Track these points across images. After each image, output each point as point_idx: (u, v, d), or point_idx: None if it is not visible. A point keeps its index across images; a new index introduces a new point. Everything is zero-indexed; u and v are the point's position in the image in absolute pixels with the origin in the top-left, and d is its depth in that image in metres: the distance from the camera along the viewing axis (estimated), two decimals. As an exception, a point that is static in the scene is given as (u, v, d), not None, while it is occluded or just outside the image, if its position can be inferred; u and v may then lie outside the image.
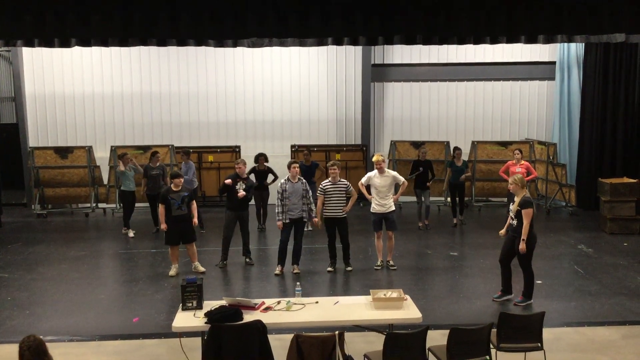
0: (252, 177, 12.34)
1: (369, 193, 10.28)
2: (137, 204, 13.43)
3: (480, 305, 8.69)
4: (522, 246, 8.26)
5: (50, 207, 15.83)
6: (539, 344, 6.21)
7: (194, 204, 10.19)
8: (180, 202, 9.89)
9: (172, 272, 10.14)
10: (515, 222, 8.43)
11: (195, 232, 10.35)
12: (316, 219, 10.16)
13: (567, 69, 16.12)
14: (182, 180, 10.12)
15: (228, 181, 10.33)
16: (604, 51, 14.74)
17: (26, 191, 16.27)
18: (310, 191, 10.18)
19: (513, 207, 8.45)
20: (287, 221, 9.91)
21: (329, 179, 10.02)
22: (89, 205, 15.59)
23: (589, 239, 12.45)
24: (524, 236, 8.24)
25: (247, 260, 10.72)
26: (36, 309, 8.66)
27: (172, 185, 10.01)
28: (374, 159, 10.27)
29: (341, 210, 9.97)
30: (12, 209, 15.77)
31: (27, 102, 16.25)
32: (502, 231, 8.77)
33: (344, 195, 9.99)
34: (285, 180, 9.98)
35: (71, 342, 7.43)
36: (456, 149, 13.71)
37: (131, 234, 12.85)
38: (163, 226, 10.00)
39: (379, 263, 10.41)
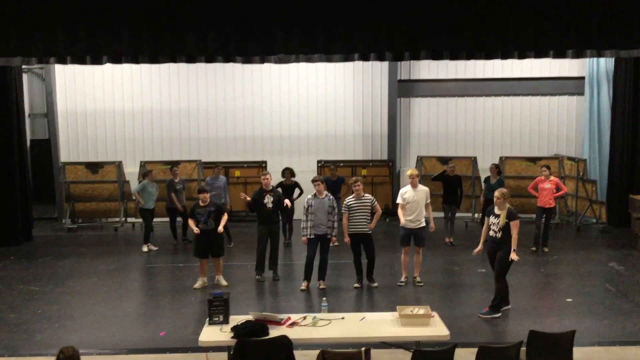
0: (279, 190, 12.37)
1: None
2: (158, 219, 13.68)
3: (509, 323, 8.56)
4: (515, 256, 8.39)
5: (80, 221, 16.07)
6: (570, 364, 6.10)
7: (225, 217, 10.25)
8: (206, 217, 9.97)
9: (198, 284, 10.22)
10: (499, 234, 8.52)
11: (223, 247, 10.41)
12: (334, 237, 10.15)
13: (597, 84, 15.95)
14: (207, 195, 10.18)
15: (245, 198, 10.75)
16: (635, 66, 14.54)
17: (57, 205, 16.55)
18: (337, 208, 10.16)
19: (500, 221, 8.49)
20: (313, 237, 9.91)
21: (353, 195, 10.00)
22: (118, 219, 15.80)
23: (621, 256, 12.21)
24: (514, 247, 8.40)
25: (274, 275, 10.72)
26: (66, 322, 8.76)
27: (199, 201, 10.11)
28: (408, 172, 10.25)
29: (366, 226, 9.93)
30: (43, 223, 16.05)
31: (59, 118, 16.58)
32: (478, 249, 8.98)
33: (369, 210, 9.95)
34: (312, 195, 9.99)
35: (100, 356, 7.50)
36: (492, 165, 13.50)
37: (145, 249, 12.95)
38: (196, 230, 10.00)
39: (402, 279, 10.34)
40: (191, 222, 10.15)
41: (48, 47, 10.25)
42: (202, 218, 9.98)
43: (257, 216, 10.58)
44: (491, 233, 8.67)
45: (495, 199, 8.63)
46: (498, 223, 8.52)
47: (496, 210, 8.63)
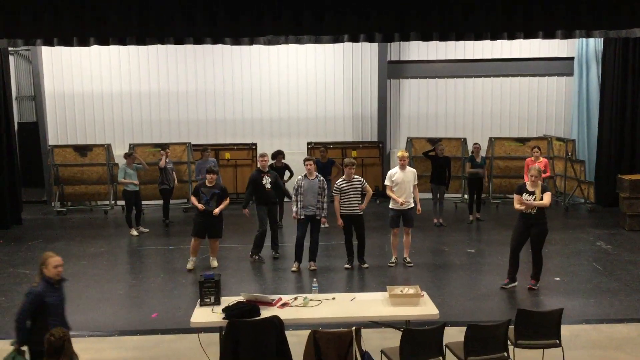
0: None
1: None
2: (146, 202, 13.65)
3: (498, 302, 8.66)
4: (524, 203, 8.73)
5: (69, 204, 16.00)
6: (557, 341, 6.18)
7: (226, 201, 10.25)
8: (209, 197, 9.99)
9: (189, 265, 10.27)
10: (535, 210, 8.71)
11: (222, 229, 10.43)
12: (325, 219, 10.21)
13: (586, 64, 15.99)
14: (215, 176, 10.22)
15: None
16: (624, 46, 14.57)
17: (46, 189, 16.46)
18: (327, 190, 10.18)
19: (536, 197, 8.64)
20: (302, 217, 9.95)
21: (344, 177, 10.01)
22: (107, 202, 15.74)
23: (608, 235, 12.33)
24: (534, 204, 8.65)
25: (274, 253, 10.85)
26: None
27: (206, 180, 10.13)
28: (398, 154, 10.26)
29: (357, 208, 9.96)
30: (32, 206, 15.96)
31: (46, 100, 16.44)
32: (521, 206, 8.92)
33: (359, 192, 9.97)
34: (302, 176, 10.02)
35: (91, 338, 7.52)
36: (475, 145, 13.64)
37: (135, 232, 12.90)
38: (200, 206, 10.03)
39: (393, 260, 10.41)
40: (194, 199, 10.19)
41: (34, 28, 10.12)
42: (205, 198, 10.01)
43: (256, 198, 10.63)
44: (525, 210, 8.76)
45: (531, 177, 8.76)
46: (534, 200, 8.66)
47: (529, 187, 8.77)
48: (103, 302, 8.84)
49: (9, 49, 14.67)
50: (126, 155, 13.10)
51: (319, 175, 10.14)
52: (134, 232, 12.88)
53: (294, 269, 10.14)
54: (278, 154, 13.04)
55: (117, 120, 16.68)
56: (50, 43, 10.49)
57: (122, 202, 15.44)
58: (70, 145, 15.86)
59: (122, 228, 13.55)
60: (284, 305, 6.44)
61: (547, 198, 8.68)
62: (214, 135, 16.75)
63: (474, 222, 13.58)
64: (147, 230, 13.10)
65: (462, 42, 15.66)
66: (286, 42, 10.73)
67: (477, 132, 16.71)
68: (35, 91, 16.37)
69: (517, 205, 8.88)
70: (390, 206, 10.27)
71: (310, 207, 9.92)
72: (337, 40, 10.65)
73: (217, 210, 10.05)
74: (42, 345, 5.18)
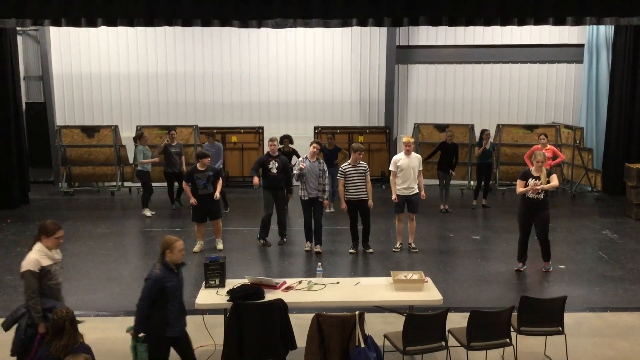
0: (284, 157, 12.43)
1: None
2: (155, 184, 13.66)
3: (502, 289, 8.68)
4: (538, 185, 8.73)
5: (77, 185, 16.08)
6: (560, 328, 6.19)
7: (220, 181, 10.27)
8: (205, 181, 9.99)
9: (196, 248, 10.31)
10: (542, 195, 8.78)
11: (221, 209, 10.47)
12: (327, 201, 10.24)
13: (596, 51, 15.85)
14: (209, 160, 10.20)
15: (255, 181, 10.75)
16: (635, 34, 14.43)
17: (53, 169, 16.53)
18: (327, 172, 10.17)
19: (542, 182, 8.68)
20: (306, 199, 9.99)
21: (349, 161, 9.99)
22: (114, 183, 15.80)
23: (614, 224, 12.30)
24: (545, 187, 8.74)
25: (281, 239, 10.85)
26: (63, 284, 8.79)
27: (198, 165, 10.10)
28: (403, 140, 10.22)
29: (362, 193, 9.91)
30: (39, 186, 16.04)
31: (54, 81, 16.46)
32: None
33: (364, 177, 9.95)
34: (303, 157, 10.06)
35: (97, 317, 7.59)
36: (486, 132, 13.54)
37: (148, 213, 12.95)
38: (192, 200, 10.06)
39: (397, 245, 10.42)
40: (186, 187, 10.13)
41: (43, 8, 10.12)
42: (201, 183, 10.01)
43: (262, 181, 10.64)
44: (531, 195, 8.80)
45: (537, 163, 8.80)
46: (540, 184, 8.72)
47: (534, 173, 8.82)
48: (109, 283, 8.91)
49: (17, 29, 14.67)
50: (137, 137, 13.11)
51: (320, 159, 10.16)
52: (147, 213, 12.91)
53: (307, 248, 10.28)
54: (285, 138, 13.02)
55: (124, 102, 16.69)
56: (58, 23, 10.48)
57: (129, 184, 15.64)
58: (77, 126, 15.89)
59: (128, 209, 13.63)
60: (288, 288, 6.48)
61: (555, 180, 8.80)
62: (221, 118, 16.74)
63: (477, 208, 13.57)
64: (154, 212, 13.13)
65: (471, 28, 15.55)
66: (294, 26, 10.69)
67: (485, 119, 16.63)
68: (43, 71, 16.39)
69: (520, 189, 8.87)
70: (393, 197, 10.24)
71: (312, 190, 9.96)
72: (345, 24, 10.59)
73: (217, 195, 10.08)
74: (160, 330, 5.35)
